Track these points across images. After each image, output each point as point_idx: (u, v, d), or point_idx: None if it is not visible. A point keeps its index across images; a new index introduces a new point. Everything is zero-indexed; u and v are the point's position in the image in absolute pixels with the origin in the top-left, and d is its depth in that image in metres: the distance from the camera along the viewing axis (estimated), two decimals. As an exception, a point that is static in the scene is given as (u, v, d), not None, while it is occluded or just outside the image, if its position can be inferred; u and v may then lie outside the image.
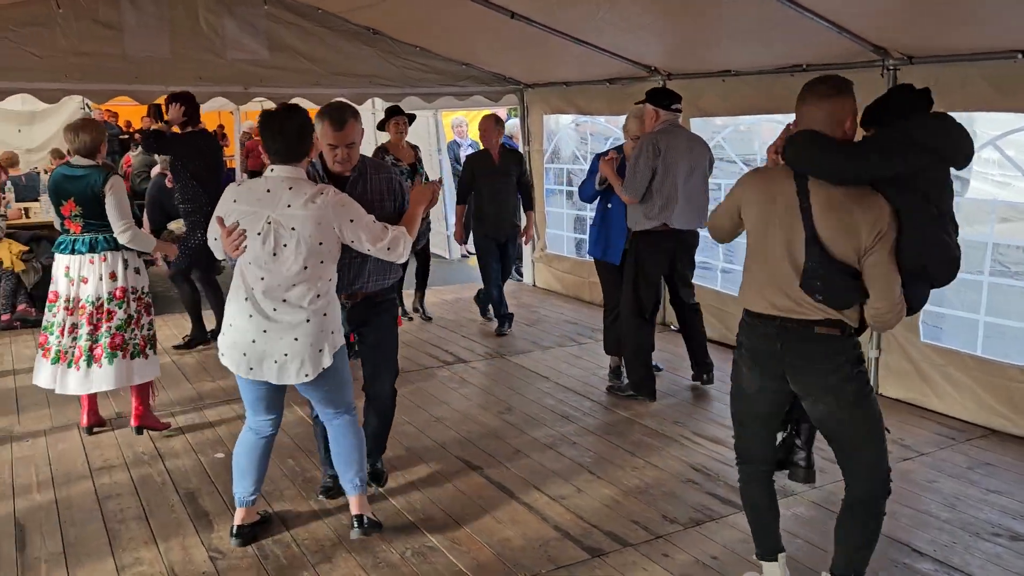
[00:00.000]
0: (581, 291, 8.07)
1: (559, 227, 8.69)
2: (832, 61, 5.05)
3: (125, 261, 4.50)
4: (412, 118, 6.84)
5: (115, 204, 4.39)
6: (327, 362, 3.20)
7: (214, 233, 3.22)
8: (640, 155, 4.93)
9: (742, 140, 7.14)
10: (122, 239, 4.42)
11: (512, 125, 8.98)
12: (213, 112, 19.04)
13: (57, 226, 4.64)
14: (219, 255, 3.33)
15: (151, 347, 4.62)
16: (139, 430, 4.65)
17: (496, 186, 6.62)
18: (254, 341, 3.15)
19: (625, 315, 5.21)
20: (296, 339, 3.13)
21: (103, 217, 4.40)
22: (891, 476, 2.86)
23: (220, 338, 3.28)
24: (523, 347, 6.46)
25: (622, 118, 5.60)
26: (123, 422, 4.80)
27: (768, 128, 7.25)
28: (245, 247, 3.13)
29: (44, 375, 4.51)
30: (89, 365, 4.41)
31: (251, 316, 3.14)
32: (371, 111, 11.01)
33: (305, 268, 3.11)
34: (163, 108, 6.25)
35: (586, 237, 6.71)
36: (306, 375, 3.18)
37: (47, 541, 3.50)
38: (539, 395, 5.37)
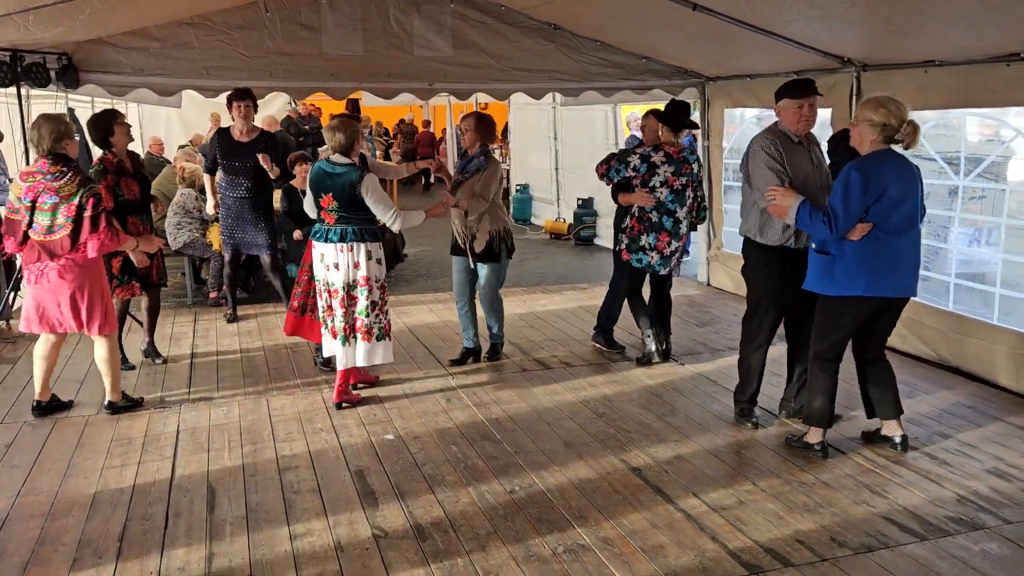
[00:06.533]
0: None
1: (737, 225, 8.33)
2: (1058, 48, 4.54)
3: (368, 252, 4.85)
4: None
5: (376, 199, 4.76)
6: None
7: None
8: None
9: (944, 137, 6.51)
10: (395, 227, 4.88)
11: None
12: (403, 107, 20.06)
13: (313, 215, 5.02)
14: None
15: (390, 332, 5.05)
16: (339, 405, 5.02)
17: None
18: None
19: None
20: None
21: (356, 211, 4.76)
22: None
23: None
24: (693, 348, 6.29)
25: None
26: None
27: (983, 126, 6.58)
28: None
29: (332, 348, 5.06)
30: (344, 344, 4.91)
31: None
32: (551, 104, 11.13)
33: None
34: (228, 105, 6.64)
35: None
36: None
37: (233, 505, 3.81)
38: (705, 399, 5.20)
